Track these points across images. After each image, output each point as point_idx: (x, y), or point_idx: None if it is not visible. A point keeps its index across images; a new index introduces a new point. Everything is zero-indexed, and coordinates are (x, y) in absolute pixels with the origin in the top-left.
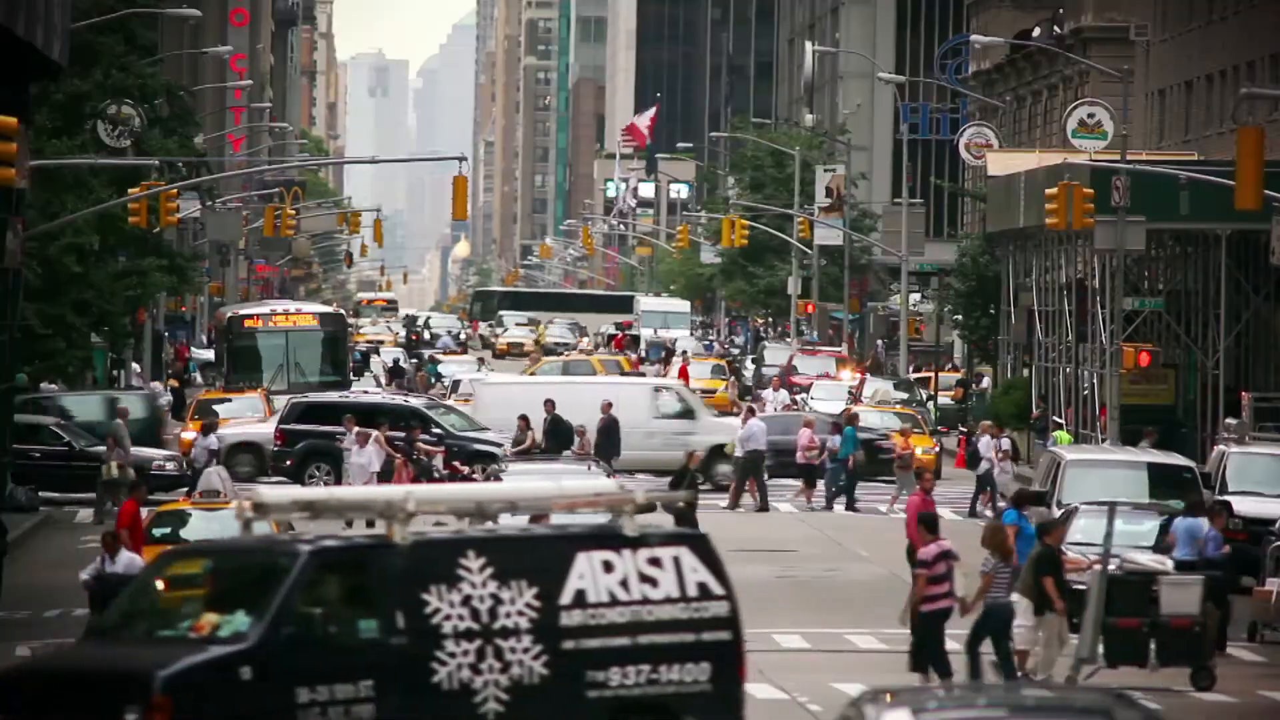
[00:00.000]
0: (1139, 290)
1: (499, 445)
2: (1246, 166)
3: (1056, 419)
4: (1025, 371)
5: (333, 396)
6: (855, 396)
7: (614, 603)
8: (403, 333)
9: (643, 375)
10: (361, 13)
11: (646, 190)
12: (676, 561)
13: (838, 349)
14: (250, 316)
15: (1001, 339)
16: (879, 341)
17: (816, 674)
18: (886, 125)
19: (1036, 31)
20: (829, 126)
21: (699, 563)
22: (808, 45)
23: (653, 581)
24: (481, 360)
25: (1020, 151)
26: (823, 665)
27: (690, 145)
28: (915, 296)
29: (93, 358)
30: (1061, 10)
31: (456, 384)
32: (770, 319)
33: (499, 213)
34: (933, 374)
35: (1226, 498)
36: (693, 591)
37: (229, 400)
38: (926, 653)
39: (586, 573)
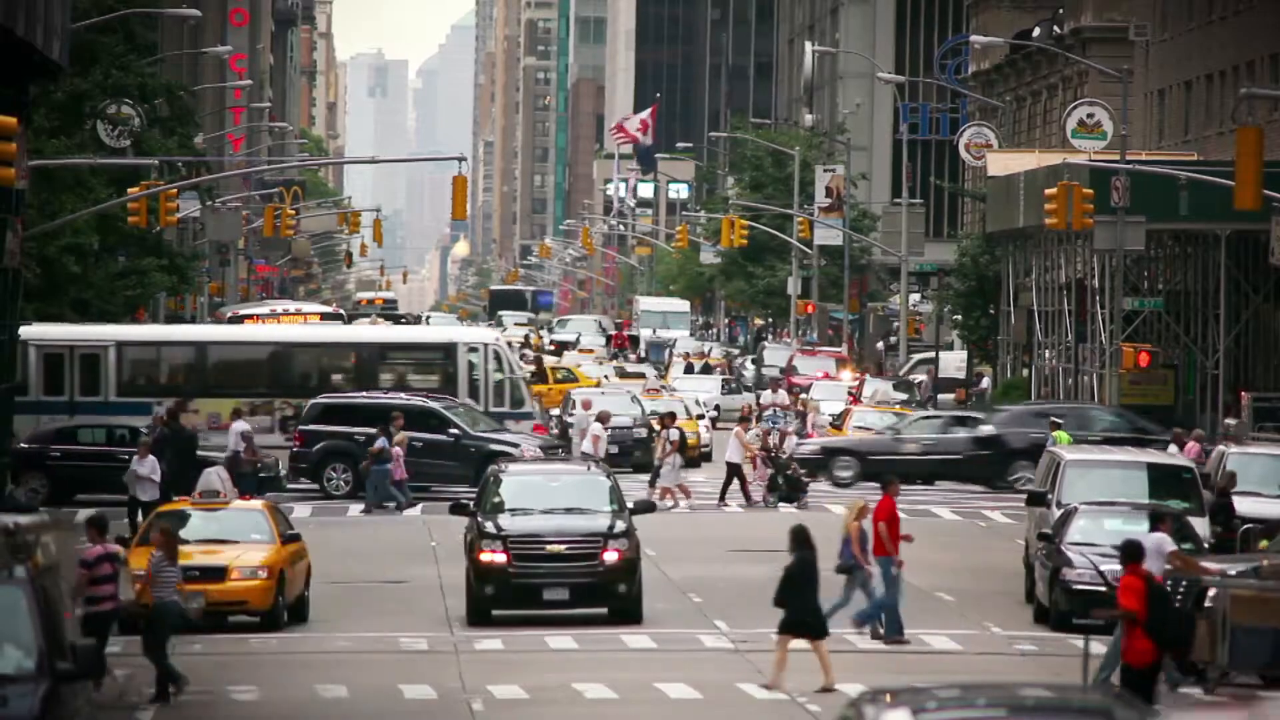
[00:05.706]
0: (1139, 290)
1: (516, 445)
2: (1246, 166)
3: (1057, 419)
4: (1025, 371)
5: (352, 397)
6: (855, 397)
7: None
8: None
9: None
10: (361, 13)
11: (646, 190)
12: None
13: (838, 349)
14: (250, 316)
15: (1001, 339)
16: (879, 344)
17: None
18: (886, 125)
19: (1036, 31)
20: (829, 126)
21: None
22: (807, 45)
23: None
24: None
25: (1020, 151)
26: None
27: (690, 145)
28: (915, 296)
29: None
30: (1061, 10)
31: None
32: (770, 319)
33: (499, 213)
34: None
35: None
36: None
37: None
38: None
39: None
